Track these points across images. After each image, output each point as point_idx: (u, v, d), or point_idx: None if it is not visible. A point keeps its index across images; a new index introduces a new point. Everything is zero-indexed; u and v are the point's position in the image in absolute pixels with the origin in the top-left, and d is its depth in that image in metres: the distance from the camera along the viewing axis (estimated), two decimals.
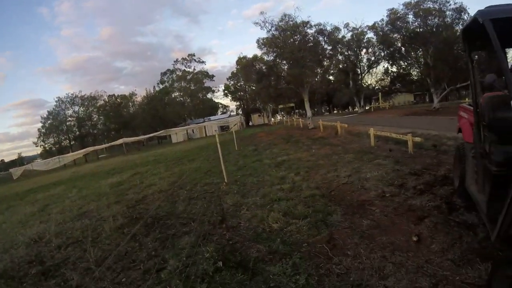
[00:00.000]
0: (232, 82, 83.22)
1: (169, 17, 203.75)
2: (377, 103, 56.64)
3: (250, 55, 56.60)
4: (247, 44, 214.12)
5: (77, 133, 78.36)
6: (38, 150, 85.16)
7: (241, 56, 66.80)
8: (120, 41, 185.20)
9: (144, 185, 11.42)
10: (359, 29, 45.97)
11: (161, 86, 79.50)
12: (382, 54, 45.62)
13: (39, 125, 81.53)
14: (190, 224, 6.16)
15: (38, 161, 77.09)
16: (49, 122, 76.53)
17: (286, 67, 31.03)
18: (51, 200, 13.72)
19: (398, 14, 37.38)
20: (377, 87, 55.96)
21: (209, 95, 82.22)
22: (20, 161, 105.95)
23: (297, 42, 28.94)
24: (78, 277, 4.86)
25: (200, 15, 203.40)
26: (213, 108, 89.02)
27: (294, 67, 27.88)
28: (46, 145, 78.22)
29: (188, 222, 6.31)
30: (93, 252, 5.43)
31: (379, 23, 41.95)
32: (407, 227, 4.49)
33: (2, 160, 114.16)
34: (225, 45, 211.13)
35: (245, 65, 49.93)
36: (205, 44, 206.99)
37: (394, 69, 48.00)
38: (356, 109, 54.43)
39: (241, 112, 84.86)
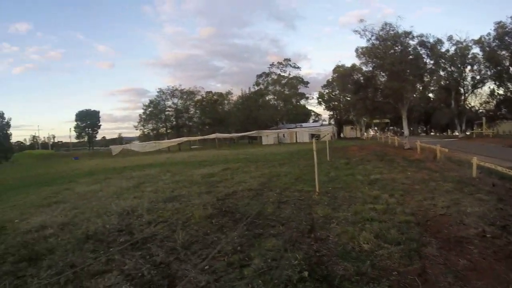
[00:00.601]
0: (326, 91, 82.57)
1: (265, 20, 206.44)
2: (479, 129, 51.56)
3: (347, 64, 55.61)
4: (344, 51, 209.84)
5: (174, 123, 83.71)
6: (137, 133, 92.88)
7: (339, 64, 66.01)
8: (219, 41, 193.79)
9: (234, 180, 11.84)
10: (464, 43, 41.98)
11: (256, 88, 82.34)
12: (488, 73, 41.50)
13: (140, 111, 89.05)
14: (279, 227, 6.20)
15: (136, 142, 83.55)
16: (149, 109, 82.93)
17: (384, 79, 29.63)
18: (145, 179, 14.79)
19: (506, 29, 33.69)
20: (480, 111, 50.86)
21: (302, 102, 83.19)
22: (120, 140, 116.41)
23: (397, 54, 27.53)
24: (163, 254, 5.17)
25: (296, 20, 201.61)
26: (305, 115, 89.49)
27: (394, 80, 26.57)
28: (145, 130, 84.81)
29: (276, 225, 6.35)
30: (181, 235, 5.78)
31: (486, 37, 38.45)
32: (506, 275, 4.07)
33: (103, 137, 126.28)
34: (321, 52, 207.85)
35: (342, 74, 48.99)
36: (300, 50, 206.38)
37: (501, 91, 43.26)
38: (456, 133, 50.27)
39: (333, 122, 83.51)
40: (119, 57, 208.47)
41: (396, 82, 26.28)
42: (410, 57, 27.96)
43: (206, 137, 62.47)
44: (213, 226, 6.36)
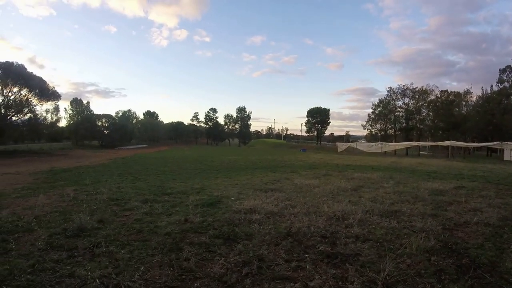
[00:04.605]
0: None
1: None
2: None
3: None
4: None
5: (404, 124, 79.27)
6: (364, 132, 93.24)
7: None
8: (450, 32, 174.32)
9: (468, 206, 9.10)
10: None
11: (499, 86, 65.78)
12: None
13: (369, 110, 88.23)
14: None
15: (362, 141, 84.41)
16: (378, 109, 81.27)
17: None
18: (365, 183, 13.78)
19: None
20: None
21: None
22: (347, 138, 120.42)
23: None
24: (359, 284, 4.06)
25: None
26: None
27: None
28: (373, 130, 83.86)
29: None
30: (388, 265, 4.43)
31: None
32: None
33: (331, 133, 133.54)
34: None
35: None
36: None
37: None
38: None
39: None
40: (347, 58, 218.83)
41: None
42: None
43: (438, 143, 57.08)
44: (429, 266, 4.68)
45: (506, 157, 48.48)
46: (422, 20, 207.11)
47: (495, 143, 50.13)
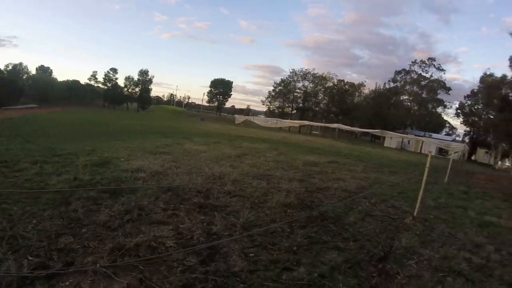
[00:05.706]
0: (468, 102, 69.88)
1: (417, 11, 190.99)
2: None
3: (498, 74, 49.07)
4: (503, 60, 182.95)
5: (300, 105, 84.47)
6: (263, 108, 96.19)
7: (487, 73, 57.52)
8: (363, 29, 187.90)
9: (334, 176, 10.99)
10: None
11: (392, 85, 76.43)
12: None
13: (270, 88, 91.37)
14: (349, 241, 5.23)
15: (261, 116, 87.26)
16: (279, 88, 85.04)
17: None
18: (250, 151, 15.09)
19: None
20: None
21: (439, 109, 74.20)
22: (247, 111, 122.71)
23: None
24: (221, 226, 5.11)
25: (452, 13, 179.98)
26: (439, 125, 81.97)
27: None
28: (271, 106, 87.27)
29: (349, 237, 5.39)
30: (248, 213, 5.62)
31: None
32: None
33: (233, 106, 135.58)
34: (474, 56, 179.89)
35: (489, 85, 43.54)
36: (451, 50, 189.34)
37: None
38: None
39: (467, 141, 69.22)
40: (260, 34, 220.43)
41: None
42: None
43: (327, 125, 61.73)
44: (285, 216, 5.98)
45: (386, 143, 55.57)
46: (339, 13, 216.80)
47: (376, 130, 55.89)
